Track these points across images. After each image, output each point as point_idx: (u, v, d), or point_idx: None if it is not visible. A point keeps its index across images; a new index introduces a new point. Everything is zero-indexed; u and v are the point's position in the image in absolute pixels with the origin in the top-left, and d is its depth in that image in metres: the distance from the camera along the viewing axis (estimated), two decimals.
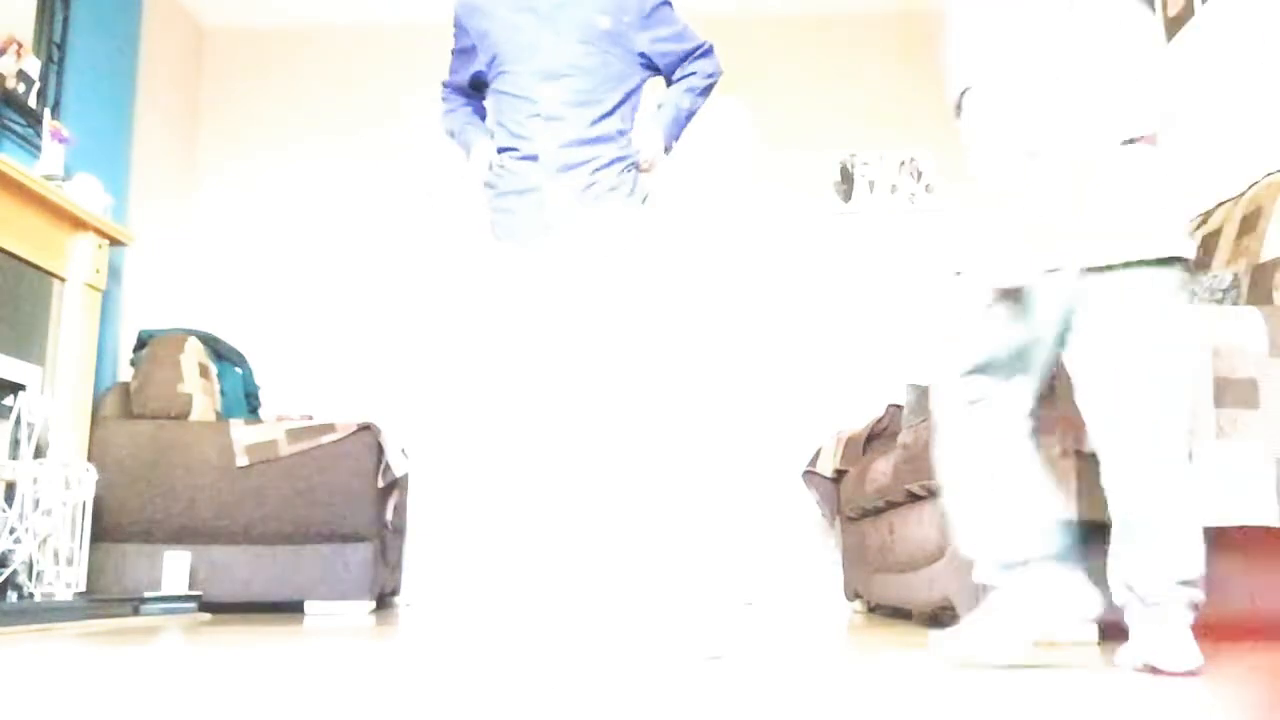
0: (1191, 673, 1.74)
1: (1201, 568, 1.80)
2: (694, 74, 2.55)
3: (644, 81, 2.53)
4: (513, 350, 2.37)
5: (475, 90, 2.62)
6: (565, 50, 2.40)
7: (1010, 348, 1.92)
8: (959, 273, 2.08)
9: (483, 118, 2.63)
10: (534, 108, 2.40)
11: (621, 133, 2.45)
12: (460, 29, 2.56)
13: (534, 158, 2.38)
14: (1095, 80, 1.90)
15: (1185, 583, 1.79)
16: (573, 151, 2.37)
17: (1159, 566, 1.80)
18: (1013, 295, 1.90)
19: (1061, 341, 1.92)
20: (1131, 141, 1.86)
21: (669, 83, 2.56)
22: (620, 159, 2.42)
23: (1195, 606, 1.81)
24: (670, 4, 2.55)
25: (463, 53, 2.59)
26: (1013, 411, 1.93)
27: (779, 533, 4.52)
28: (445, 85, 2.69)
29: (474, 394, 2.38)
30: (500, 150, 2.45)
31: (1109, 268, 1.82)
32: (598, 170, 2.38)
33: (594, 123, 2.40)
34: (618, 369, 2.24)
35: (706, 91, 2.56)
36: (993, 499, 1.92)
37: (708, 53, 2.57)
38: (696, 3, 4.90)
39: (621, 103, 2.46)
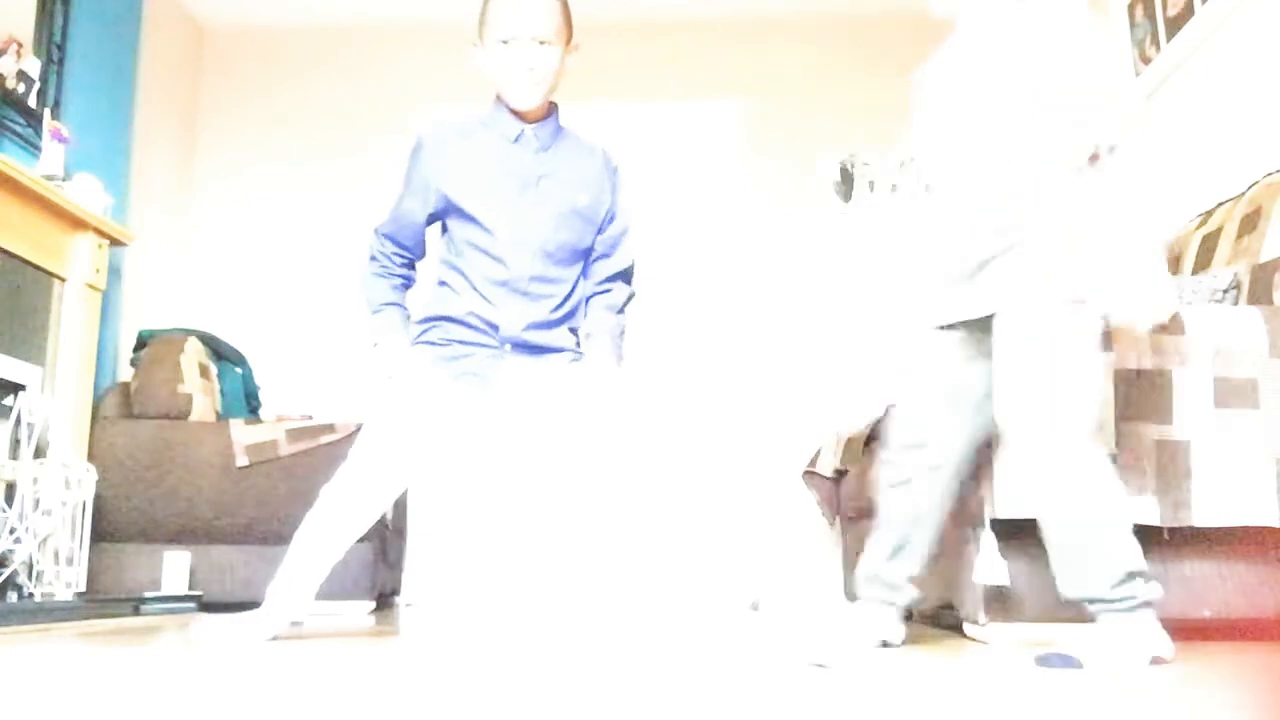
0: (1160, 659, 1.80)
1: (1133, 564, 1.86)
2: (612, 291, 2.41)
3: (588, 262, 2.41)
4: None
5: (412, 250, 2.45)
6: (543, 224, 2.30)
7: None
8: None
9: (409, 284, 2.50)
10: (504, 273, 2.29)
11: (572, 315, 2.38)
12: (419, 164, 2.34)
13: (494, 327, 2.29)
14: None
15: (1122, 582, 1.85)
16: (533, 334, 2.30)
17: (1091, 572, 1.87)
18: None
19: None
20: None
21: (582, 275, 2.42)
22: (569, 350, 2.36)
23: (1147, 603, 1.86)
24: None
25: (416, 190, 2.36)
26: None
27: (779, 533, 4.51)
28: (381, 235, 2.45)
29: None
30: (454, 292, 2.34)
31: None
32: (550, 354, 2.33)
33: (556, 307, 2.33)
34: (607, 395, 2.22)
35: (625, 309, 2.43)
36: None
37: (630, 273, 2.46)
38: (696, 4, 4.92)
39: (575, 283, 2.39)
